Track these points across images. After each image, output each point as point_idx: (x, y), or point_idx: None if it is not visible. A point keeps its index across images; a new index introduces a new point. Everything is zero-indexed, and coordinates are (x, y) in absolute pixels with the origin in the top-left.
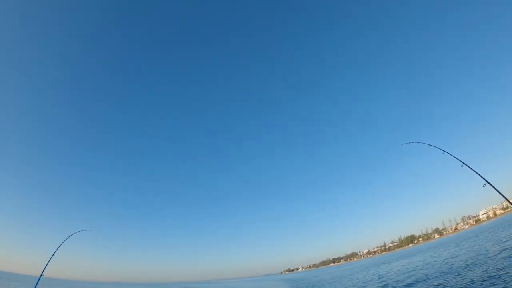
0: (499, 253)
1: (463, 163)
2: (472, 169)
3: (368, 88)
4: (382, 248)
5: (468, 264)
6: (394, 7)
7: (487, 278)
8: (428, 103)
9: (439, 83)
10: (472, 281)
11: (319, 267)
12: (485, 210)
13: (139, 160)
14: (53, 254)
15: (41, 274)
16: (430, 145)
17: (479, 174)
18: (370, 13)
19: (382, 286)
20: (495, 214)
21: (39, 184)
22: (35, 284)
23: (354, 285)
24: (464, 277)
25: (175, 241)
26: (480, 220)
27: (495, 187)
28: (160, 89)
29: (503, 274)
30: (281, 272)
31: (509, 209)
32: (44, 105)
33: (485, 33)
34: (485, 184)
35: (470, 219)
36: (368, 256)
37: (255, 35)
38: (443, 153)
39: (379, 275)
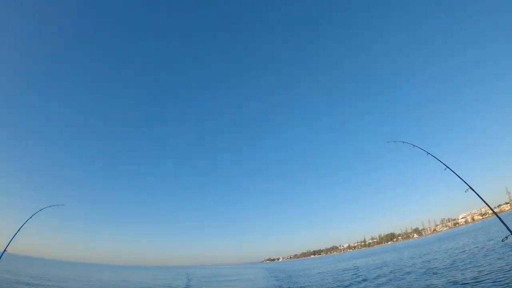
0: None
1: (447, 166)
2: (455, 173)
3: (359, 85)
4: (362, 243)
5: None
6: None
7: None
8: (417, 104)
9: (429, 86)
10: None
11: (300, 258)
12: (464, 214)
13: (124, 128)
14: (19, 229)
15: (4, 250)
16: (414, 145)
17: (462, 179)
18: (360, 13)
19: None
20: (473, 219)
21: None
22: None
23: (330, 275)
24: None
25: (156, 225)
26: (458, 223)
27: (477, 192)
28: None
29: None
30: (262, 261)
31: (487, 215)
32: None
33: (479, 34)
34: (467, 190)
35: (449, 221)
36: (348, 250)
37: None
38: (427, 155)
39: (356, 266)
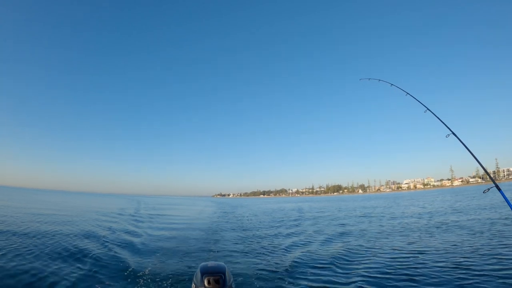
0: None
1: (427, 108)
2: (436, 115)
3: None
4: (310, 190)
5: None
6: None
7: None
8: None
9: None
10: None
11: (250, 197)
12: (409, 180)
13: None
14: None
15: None
16: (392, 84)
17: (443, 122)
18: None
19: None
20: (415, 187)
21: None
22: None
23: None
24: None
25: (108, 147)
26: (401, 188)
27: (459, 138)
28: None
29: None
30: (213, 196)
31: (428, 186)
32: None
33: None
34: (448, 135)
35: (393, 184)
36: (296, 195)
37: None
38: (406, 95)
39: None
